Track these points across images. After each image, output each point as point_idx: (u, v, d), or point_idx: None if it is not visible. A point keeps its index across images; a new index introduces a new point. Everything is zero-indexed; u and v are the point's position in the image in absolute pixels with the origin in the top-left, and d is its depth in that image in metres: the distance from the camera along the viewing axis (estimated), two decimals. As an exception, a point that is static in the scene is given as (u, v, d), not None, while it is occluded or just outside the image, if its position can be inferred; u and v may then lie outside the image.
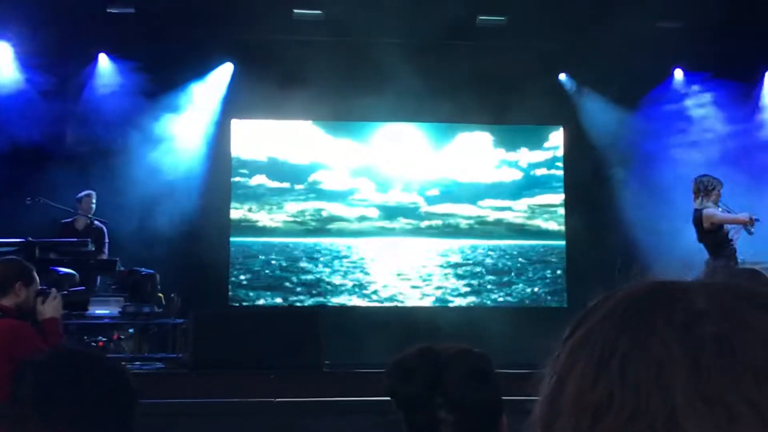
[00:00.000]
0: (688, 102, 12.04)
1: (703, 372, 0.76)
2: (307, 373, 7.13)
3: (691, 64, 11.92)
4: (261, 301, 11.92)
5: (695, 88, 12.01)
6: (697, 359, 0.76)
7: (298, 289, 12.09)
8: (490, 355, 2.18)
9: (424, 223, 12.34)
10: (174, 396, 6.56)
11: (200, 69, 11.79)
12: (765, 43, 11.35)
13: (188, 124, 11.67)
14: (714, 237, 8.54)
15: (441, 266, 12.31)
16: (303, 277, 12.15)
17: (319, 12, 11.08)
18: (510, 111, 11.82)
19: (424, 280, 12.20)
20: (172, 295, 9.68)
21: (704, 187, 8.60)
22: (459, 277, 12.31)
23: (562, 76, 12.31)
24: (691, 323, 0.78)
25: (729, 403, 0.74)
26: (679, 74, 12.15)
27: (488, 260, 12.44)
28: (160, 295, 9.39)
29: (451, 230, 12.37)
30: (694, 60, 11.75)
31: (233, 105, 11.94)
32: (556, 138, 12.58)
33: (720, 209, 8.62)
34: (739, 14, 10.81)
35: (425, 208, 12.36)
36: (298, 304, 11.96)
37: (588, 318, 0.84)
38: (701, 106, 11.93)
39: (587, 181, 11.97)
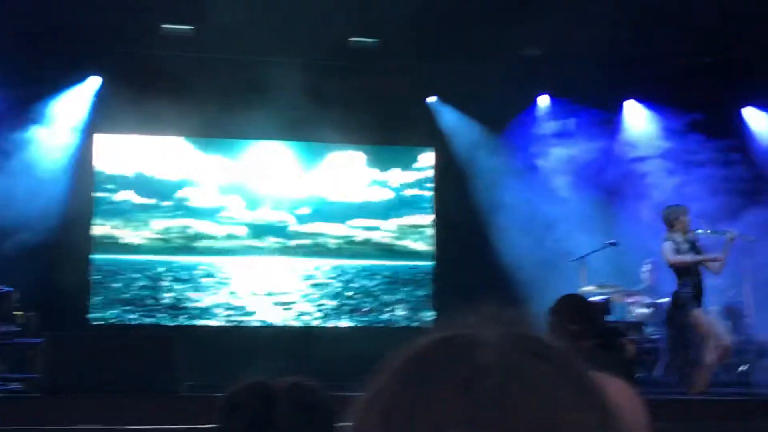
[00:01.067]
0: (552, 127, 12.34)
1: (480, 429, 0.75)
2: (164, 397, 6.99)
3: (556, 91, 12.24)
4: (123, 321, 11.62)
5: (557, 116, 12.35)
6: (475, 416, 0.76)
7: (162, 308, 11.84)
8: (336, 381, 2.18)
9: (293, 242, 12.27)
10: (25, 422, 6.33)
11: (65, 82, 11.47)
12: (625, 72, 11.76)
13: (51, 138, 11.33)
14: (674, 267, 8.82)
15: (310, 286, 12.26)
16: (167, 295, 11.90)
17: (189, 27, 10.93)
18: (382, 132, 11.93)
19: (292, 300, 12.12)
20: (31, 313, 9.36)
21: (667, 220, 8.85)
22: (327, 296, 12.28)
23: (433, 99, 12.45)
24: (473, 379, 0.78)
25: None
26: (543, 100, 12.46)
27: (356, 280, 12.45)
28: (19, 313, 9.09)
29: (320, 249, 12.34)
30: (559, 87, 12.08)
31: (100, 119, 11.65)
32: (427, 159, 12.70)
33: (682, 239, 8.74)
34: (601, 44, 11.17)
35: (294, 226, 12.30)
36: (162, 323, 11.71)
37: (384, 371, 0.84)
38: (564, 132, 12.25)
39: (456, 202, 12.14)
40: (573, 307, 4.73)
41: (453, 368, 0.79)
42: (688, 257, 8.73)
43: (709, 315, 8.67)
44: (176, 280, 11.97)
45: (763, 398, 8.31)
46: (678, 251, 8.72)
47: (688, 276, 8.69)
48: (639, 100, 12.53)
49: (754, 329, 10.22)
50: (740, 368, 9.95)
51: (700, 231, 8.89)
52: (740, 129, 12.63)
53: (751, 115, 12.73)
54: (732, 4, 10.33)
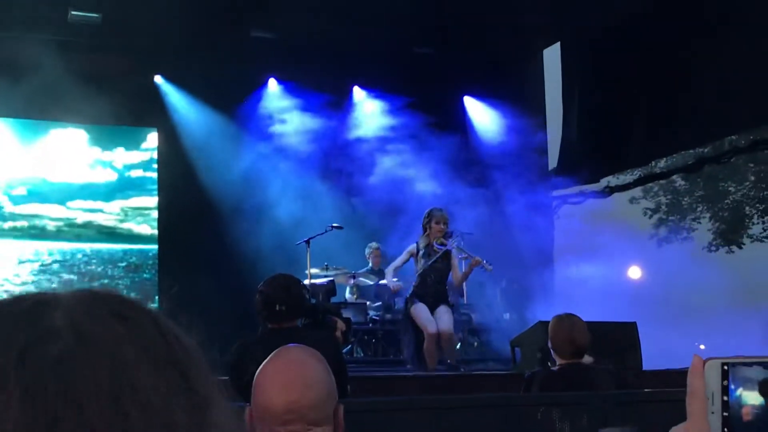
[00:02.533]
0: (280, 110, 12.38)
1: (38, 400, 0.68)
2: None
3: (285, 75, 12.29)
4: None
5: (285, 99, 12.41)
6: (33, 386, 0.69)
7: None
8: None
9: (8, 224, 11.60)
10: None
11: None
12: (352, 59, 12.02)
13: None
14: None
15: (31, 272, 11.63)
16: None
17: None
18: (105, 110, 11.49)
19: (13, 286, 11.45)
20: None
21: (423, 223, 9.07)
22: (43, 282, 11.70)
23: (158, 78, 12.14)
24: (35, 343, 0.71)
25: None
26: (273, 83, 12.48)
27: (79, 264, 11.95)
28: None
29: (37, 232, 11.73)
30: (288, 71, 12.15)
31: None
32: (152, 140, 12.38)
33: (424, 245, 8.98)
34: (329, 30, 11.37)
35: (10, 208, 11.63)
36: None
37: None
38: (292, 114, 12.32)
39: (181, 183, 11.92)
40: (279, 287, 4.76)
41: (14, 333, 0.72)
42: (397, 262, 9.28)
43: (422, 309, 8.93)
44: None
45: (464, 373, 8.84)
46: (412, 254, 9.13)
47: (418, 276, 9.06)
48: (364, 87, 12.80)
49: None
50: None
51: (450, 243, 9.10)
52: (461, 117, 13.24)
53: (470, 104, 13.37)
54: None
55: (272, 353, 2.34)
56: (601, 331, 7.65)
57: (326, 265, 10.62)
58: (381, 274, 10.76)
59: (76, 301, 0.77)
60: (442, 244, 8.99)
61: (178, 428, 0.73)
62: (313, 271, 10.44)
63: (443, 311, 8.95)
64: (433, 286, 9.02)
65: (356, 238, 11.15)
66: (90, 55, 11.26)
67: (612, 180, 13.39)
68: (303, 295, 4.86)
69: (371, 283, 10.77)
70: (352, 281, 10.84)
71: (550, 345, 5.07)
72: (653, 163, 14.77)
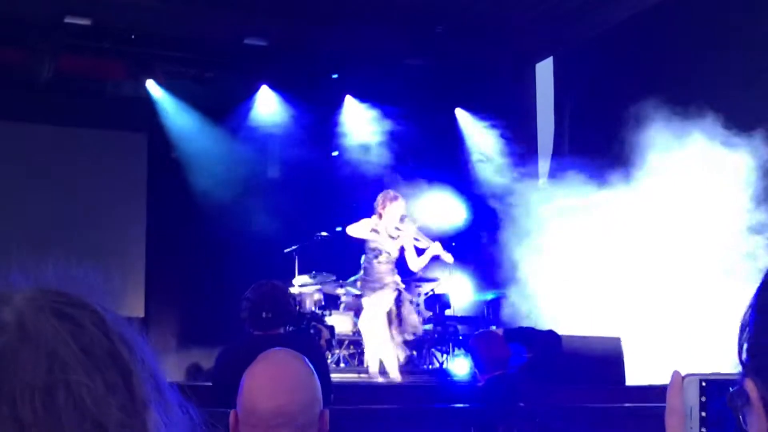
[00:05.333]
0: (272, 117, 12.38)
1: None
2: None
3: (277, 82, 12.29)
4: None
5: (278, 104, 12.41)
6: None
7: None
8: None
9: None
10: None
11: None
12: (347, 66, 12.04)
13: None
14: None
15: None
16: None
17: None
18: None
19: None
20: None
21: (375, 206, 8.76)
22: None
23: (150, 83, 12.13)
24: None
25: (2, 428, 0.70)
26: (265, 91, 12.47)
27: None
28: None
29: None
30: (280, 78, 12.15)
31: None
32: (143, 145, 12.36)
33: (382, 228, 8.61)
34: (322, 41, 11.39)
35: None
36: None
37: None
38: (283, 122, 12.31)
39: (170, 190, 11.91)
40: (265, 294, 4.76)
41: None
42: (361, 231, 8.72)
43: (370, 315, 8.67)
44: None
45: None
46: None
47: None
48: (356, 96, 12.80)
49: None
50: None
51: (408, 228, 8.77)
52: (453, 129, 13.25)
53: (461, 116, 13.38)
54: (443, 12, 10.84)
55: (258, 357, 2.34)
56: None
57: (314, 273, 10.60)
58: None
59: (25, 299, 0.78)
60: (397, 229, 8.62)
61: (110, 428, 0.74)
62: (301, 279, 10.42)
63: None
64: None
65: (345, 247, 11.12)
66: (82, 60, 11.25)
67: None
68: (289, 303, 4.87)
69: (359, 292, 10.74)
70: (340, 290, 10.81)
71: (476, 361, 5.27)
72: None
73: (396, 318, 8.72)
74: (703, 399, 0.94)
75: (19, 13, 10.31)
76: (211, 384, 4.51)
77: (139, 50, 11.39)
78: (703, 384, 0.95)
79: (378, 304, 8.71)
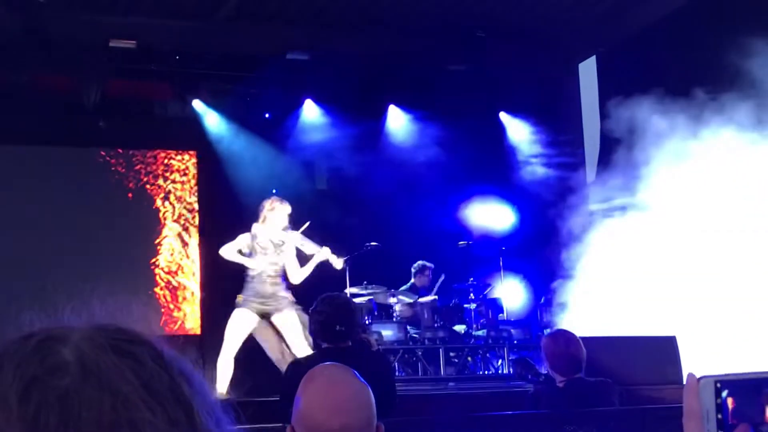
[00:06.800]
0: (318, 130, 12.43)
1: None
2: None
3: (320, 95, 12.35)
4: None
5: (323, 117, 12.46)
6: (36, 419, 0.72)
7: None
8: None
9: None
10: None
11: None
12: (386, 78, 12.07)
13: None
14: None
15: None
16: None
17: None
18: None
19: None
20: None
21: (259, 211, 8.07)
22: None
23: (197, 103, 12.25)
24: (43, 378, 0.74)
25: None
26: (309, 104, 12.53)
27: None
28: None
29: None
30: (323, 91, 12.20)
31: None
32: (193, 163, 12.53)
33: (261, 236, 7.93)
34: (365, 52, 11.44)
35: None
36: None
37: None
38: (328, 134, 12.35)
39: (220, 206, 12.02)
40: (338, 307, 4.76)
41: (24, 367, 0.75)
42: (236, 257, 8.02)
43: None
44: None
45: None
46: (244, 247, 7.98)
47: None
48: (399, 105, 12.81)
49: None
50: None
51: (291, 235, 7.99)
52: (498, 133, 13.19)
53: (506, 120, 13.33)
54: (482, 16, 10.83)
55: (313, 374, 2.36)
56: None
57: (366, 284, 10.63)
58: (422, 293, 10.78)
59: (84, 337, 0.79)
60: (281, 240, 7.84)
61: None
62: (353, 290, 10.45)
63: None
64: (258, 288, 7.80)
65: (395, 257, 11.13)
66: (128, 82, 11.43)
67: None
68: (359, 316, 4.88)
69: (411, 301, 10.76)
70: (392, 299, 10.83)
71: (547, 364, 5.07)
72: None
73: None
74: (719, 401, 0.93)
75: (65, 39, 10.49)
76: (279, 398, 4.51)
77: (184, 70, 11.53)
78: (718, 385, 0.94)
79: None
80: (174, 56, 11.23)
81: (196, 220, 12.39)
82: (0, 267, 11.07)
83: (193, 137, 12.14)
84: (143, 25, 10.63)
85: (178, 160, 12.45)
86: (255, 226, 8.06)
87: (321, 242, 10.60)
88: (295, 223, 8.21)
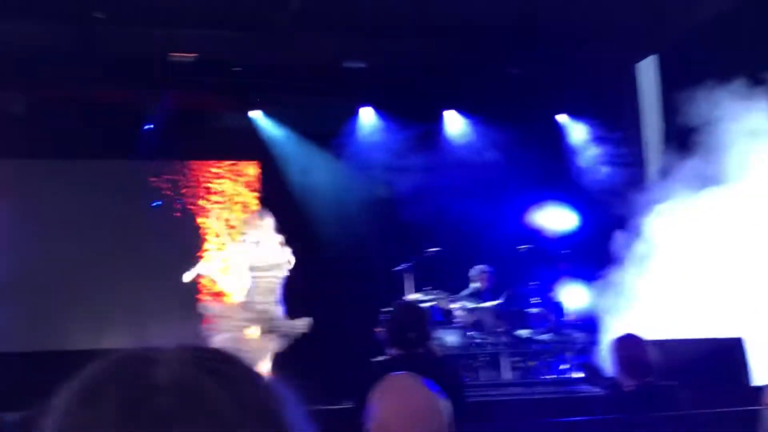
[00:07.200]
0: (375, 137, 12.46)
1: None
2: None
3: (377, 103, 12.38)
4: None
5: (380, 124, 12.49)
6: None
7: None
8: None
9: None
10: None
11: None
12: (443, 83, 12.04)
13: None
14: None
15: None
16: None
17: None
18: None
19: None
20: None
21: None
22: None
23: (255, 113, 12.36)
24: (141, 400, 0.75)
25: None
26: (366, 112, 12.56)
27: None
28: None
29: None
30: (380, 98, 12.23)
31: None
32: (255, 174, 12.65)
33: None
34: (420, 58, 11.44)
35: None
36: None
37: (63, 391, 0.80)
38: (387, 142, 12.38)
39: (282, 215, 12.08)
40: (411, 314, 4.78)
41: (122, 389, 0.76)
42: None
43: None
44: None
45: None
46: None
47: None
48: (457, 110, 12.80)
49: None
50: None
51: None
52: (556, 136, 13.10)
53: (564, 122, 13.24)
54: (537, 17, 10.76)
55: (386, 385, 2.36)
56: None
57: (427, 289, 10.61)
58: (484, 297, 10.72)
59: (177, 359, 0.80)
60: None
61: None
62: (414, 296, 10.44)
63: None
64: None
65: (455, 262, 11.12)
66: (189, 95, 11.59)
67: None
68: (430, 322, 4.90)
69: (472, 306, 10.71)
70: (453, 305, 10.80)
71: (615, 368, 5.00)
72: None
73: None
74: None
75: (125, 54, 10.64)
76: (353, 406, 4.52)
77: (243, 81, 11.64)
78: None
79: None
80: (232, 67, 11.32)
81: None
82: (59, 277, 11.30)
83: (253, 148, 12.27)
84: (201, 38, 10.75)
85: (237, 172, 12.57)
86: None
87: (381, 249, 10.64)
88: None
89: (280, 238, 8.20)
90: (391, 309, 4.88)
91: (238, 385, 0.79)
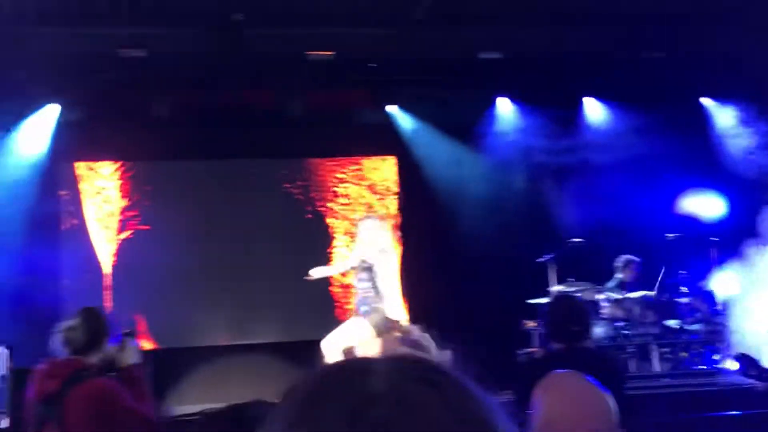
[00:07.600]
0: (513, 128, 12.36)
1: None
2: None
3: (514, 93, 12.28)
4: None
5: (518, 115, 12.39)
6: None
7: None
8: None
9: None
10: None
11: None
12: (581, 71, 11.84)
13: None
14: None
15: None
16: None
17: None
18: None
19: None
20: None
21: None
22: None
23: (392, 108, 12.43)
24: (361, 409, 0.77)
25: None
26: (503, 103, 12.48)
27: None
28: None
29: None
30: (517, 88, 12.13)
31: None
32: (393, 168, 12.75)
33: None
34: (556, 46, 11.27)
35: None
36: None
37: (285, 398, 0.83)
38: (525, 132, 12.27)
39: (421, 209, 12.15)
40: (571, 308, 4.73)
41: (344, 397, 0.79)
42: None
43: None
44: None
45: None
46: None
47: None
48: (595, 97, 12.58)
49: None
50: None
51: None
52: (701, 121, 12.72)
53: (708, 106, 12.84)
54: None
55: (553, 382, 2.33)
56: None
57: (570, 281, 10.47)
58: (629, 288, 10.51)
59: (391, 368, 0.82)
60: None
61: None
62: (558, 288, 10.32)
63: None
64: None
65: (599, 252, 10.91)
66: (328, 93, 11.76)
67: None
68: (591, 316, 4.83)
69: (619, 297, 10.50)
70: (596, 296, 10.61)
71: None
72: None
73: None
74: None
75: (264, 55, 10.86)
76: (513, 398, 4.51)
77: (380, 77, 11.73)
78: None
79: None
80: (369, 64, 11.42)
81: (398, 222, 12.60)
82: (207, 275, 11.64)
83: (391, 143, 12.37)
84: (338, 36, 10.88)
85: (376, 167, 12.69)
86: None
87: (523, 240, 10.54)
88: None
89: (384, 243, 8.01)
90: (546, 301, 4.84)
91: (451, 394, 0.80)
